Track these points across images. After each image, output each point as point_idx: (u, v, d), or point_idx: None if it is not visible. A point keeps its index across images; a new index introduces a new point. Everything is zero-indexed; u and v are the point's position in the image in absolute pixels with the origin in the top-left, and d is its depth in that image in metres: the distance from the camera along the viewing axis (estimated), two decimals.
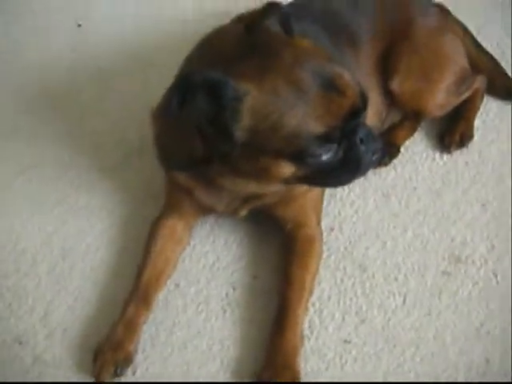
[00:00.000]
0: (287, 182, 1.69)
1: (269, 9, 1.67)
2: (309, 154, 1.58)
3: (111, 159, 2.27)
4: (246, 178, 1.73)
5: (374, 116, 2.04)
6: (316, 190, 1.91)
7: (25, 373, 1.84)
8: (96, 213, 2.15)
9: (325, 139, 1.57)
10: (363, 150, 1.64)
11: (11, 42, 2.75)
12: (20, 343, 1.89)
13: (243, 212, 1.93)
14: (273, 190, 1.81)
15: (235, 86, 1.54)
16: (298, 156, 1.59)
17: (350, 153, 1.63)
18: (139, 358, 1.84)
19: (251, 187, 1.78)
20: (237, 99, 1.54)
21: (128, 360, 1.80)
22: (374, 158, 1.68)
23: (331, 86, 1.56)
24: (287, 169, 1.62)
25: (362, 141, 1.63)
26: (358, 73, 1.96)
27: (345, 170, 1.66)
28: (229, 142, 1.59)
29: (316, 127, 1.54)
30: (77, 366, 1.84)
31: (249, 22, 1.68)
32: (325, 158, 1.60)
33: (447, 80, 2.12)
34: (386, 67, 2.08)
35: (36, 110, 2.47)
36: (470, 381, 1.76)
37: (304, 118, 1.54)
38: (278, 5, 1.69)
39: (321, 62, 1.60)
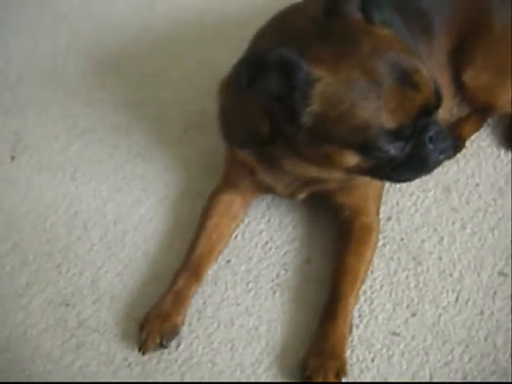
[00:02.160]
0: (349, 171, 1.66)
1: None
2: (376, 147, 1.55)
3: (171, 130, 2.26)
4: (308, 163, 1.70)
5: (443, 109, 1.98)
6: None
7: (68, 336, 1.85)
8: (152, 183, 2.14)
9: (395, 135, 1.54)
10: (431, 149, 1.61)
11: (79, 4, 2.74)
12: (67, 305, 1.90)
13: (302, 195, 1.91)
14: (334, 176, 1.78)
15: (308, 69, 1.51)
16: (363, 148, 1.56)
17: (417, 150, 1.59)
18: (184, 331, 1.83)
19: (312, 172, 1.75)
20: (308, 83, 1.51)
21: (174, 332, 1.80)
22: (441, 157, 1.65)
23: (407, 81, 1.52)
24: (351, 159, 1.59)
25: (431, 139, 1.60)
26: (430, 63, 1.91)
27: (410, 167, 1.63)
28: (295, 125, 1.57)
29: (388, 122, 1.51)
30: (121, 334, 1.84)
31: (328, 5, 1.63)
32: (391, 153, 1.57)
33: None
34: (459, 58, 2.03)
35: (98, 73, 2.47)
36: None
37: (376, 110, 1.50)
38: None
39: (399, 54, 1.56)
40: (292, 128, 1.58)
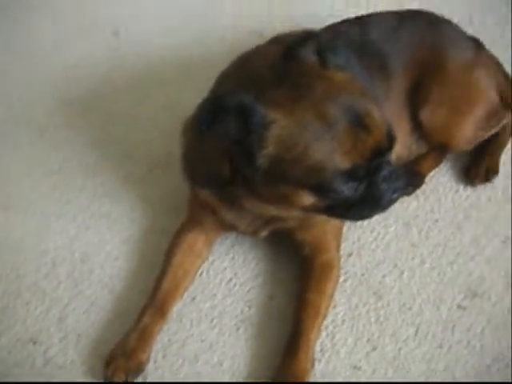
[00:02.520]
0: (306, 210, 1.70)
1: (306, 38, 1.68)
2: (330, 188, 1.59)
3: (136, 170, 2.29)
4: (267, 203, 1.74)
5: (401, 147, 2.04)
6: None
7: (36, 374, 1.86)
8: (117, 222, 2.17)
9: (349, 176, 1.58)
10: (384, 189, 1.65)
11: (50, 44, 2.77)
12: (34, 343, 1.92)
13: (264, 233, 1.94)
14: (293, 215, 1.82)
15: (264, 113, 1.55)
16: (319, 188, 1.60)
17: (370, 190, 1.64)
18: (150, 367, 1.85)
19: (271, 211, 1.79)
20: (264, 126, 1.55)
21: (139, 369, 1.82)
22: (394, 196, 1.69)
23: (359, 123, 1.57)
24: (307, 199, 1.63)
25: (384, 179, 1.64)
26: (387, 102, 1.99)
27: (364, 206, 1.67)
28: (252, 167, 1.60)
29: (341, 163, 1.56)
30: (88, 371, 1.86)
31: (286, 49, 1.68)
32: (346, 193, 1.61)
33: (477, 114, 2.11)
34: (416, 97, 2.07)
35: (66, 113, 2.49)
36: None
37: (329, 152, 1.55)
38: (315, 35, 1.70)
39: (352, 97, 1.60)
40: (249, 170, 1.62)
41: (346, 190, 1.60)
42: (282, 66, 1.67)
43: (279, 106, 1.57)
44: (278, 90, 1.60)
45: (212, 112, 1.58)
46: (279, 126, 1.55)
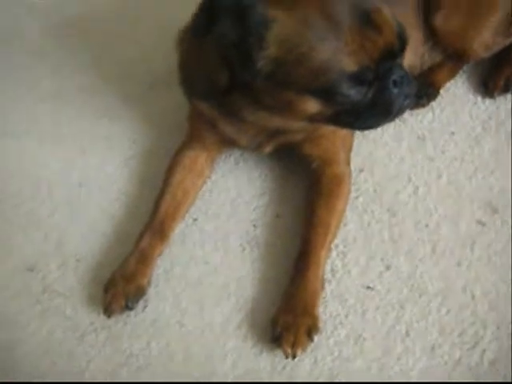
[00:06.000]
0: (312, 119, 1.60)
1: None
2: (337, 92, 1.49)
3: (137, 89, 2.22)
4: (270, 112, 1.64)
5: (413, 55, 1.95)
6: None
7: (34, 302, 1.80)
8: (118, 143, 2.10)
9: (356, 79, 1.48)
10: (395, 94, 1.55)
11: None
12: (32, 270, 1.85)
13: (268, 148, 1.85)
14: (298, 126, 1.72)
15: (263, 11, 1.45)
16: (324, 93, 1.50)
17: (380, 95, 1.54)
18: (151, 292, 1.78)
19: (275, 122, 1.70)
20: (263, 26, 1.45)
21: (140, 293, 1.75)
22: (406, 103, 1.59)
23: (367, 21, 1.46)
24: (312, 106, 1.54)
25: (395, 83, 1.54)
26: (398, 7, 1.85)
27: (374, 113, 1.57)
28: (252, 71, 1.50)
29: (348, 65, 1.45)
30: (87, 297, 1.80)
31: None
32: (354, 98, 1.51)
33: (495, 18, 1.99)
34: (429, 2, 1.96)
35: (63, 35, 2.44)
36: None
37: (335, 52, 1.44)
38: None
39: None
40: (249, 75, 1.52)
41: (354, 94, 1.50)
42: None
43: (280, 4, 1.46)
44: None
45: (208, 15, 1.48)
46: (280, 25, 1.45)
